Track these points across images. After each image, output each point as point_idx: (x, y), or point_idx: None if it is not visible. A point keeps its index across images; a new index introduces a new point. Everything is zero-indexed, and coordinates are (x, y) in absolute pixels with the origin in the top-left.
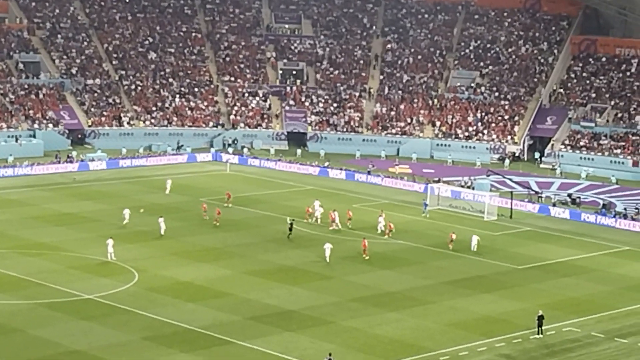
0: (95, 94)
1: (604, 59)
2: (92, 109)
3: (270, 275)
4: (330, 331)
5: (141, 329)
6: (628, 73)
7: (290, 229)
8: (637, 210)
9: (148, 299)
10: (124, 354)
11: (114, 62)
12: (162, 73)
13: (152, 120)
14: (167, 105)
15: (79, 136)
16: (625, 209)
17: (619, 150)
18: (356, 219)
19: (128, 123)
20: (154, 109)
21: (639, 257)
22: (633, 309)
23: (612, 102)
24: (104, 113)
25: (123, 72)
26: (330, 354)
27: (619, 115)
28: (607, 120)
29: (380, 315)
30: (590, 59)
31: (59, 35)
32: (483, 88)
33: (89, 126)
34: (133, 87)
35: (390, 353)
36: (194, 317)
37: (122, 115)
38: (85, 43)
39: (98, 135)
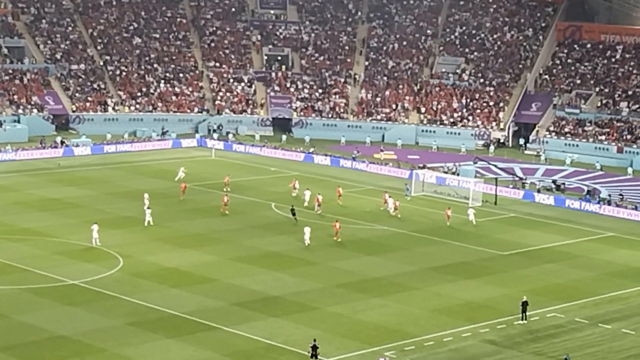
0: (80, 79)
1: (589, 46)
2: (77, 94)
3: (256, 261)
4: (315, 317)
5: (126, 314)
6: (613, 59)
7: (294, 214)
8: (621, 197)
9: (133, 285)
10: (109, 339)
11: (98, 48)
12: (147, 58)
13: (137, 106)
14: (152, 90)
15: (63, 121)
16: (609, 195)
17: (603, 137)
18: (342, 204)
19: (113, 108)
20: (138, 94)
21: (623, 243)
22: (617, 294)
23: (597, 89)
24: (89, 98)
25: (108, 58)
26: (315, 340)
27: (604, 101)
28: (597, 107)
29: (365, 301)
30: (575, 46)
31: (44, 20)
32: (468, 74)
33: (74, 111)
34: (118, 72)
35: (375, 339)
36: (179, 302)
37: (107, 100)
38: (70, 28)
39: (82, 121)
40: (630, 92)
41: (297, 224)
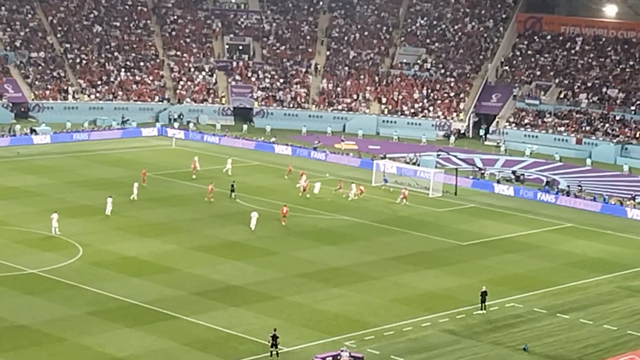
0: (40, 67)
1: (549, 37)
2: (37, 83)
3: (216, 251)
4: (275, 306)
5: (85, 303)
6: (572, 51)
7: (233, 190)
8: (579, 188)
9: (92, 274)
10: (68, 328)
11: (58, 35)
12: (108, 47)
13: (97, 94)
14: (112, 79)
15: (23, 109)
16: (568, 186)
17: (562, 128)
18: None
19: (73, 97)
20: (99, 82)
21: (581, 234)
22: (575, 285)
23: (557, 80)
24: (49, 86)
25: (68, 46)
26: (275, 329)
27: (564, 93)
28: (557, 98)
29: (325, 291)
30: (536, 37)
31: (3, 8)
32: (429, 65)
33: (33, 99)
34: (78, 60)
35: (335, 328)
36: (138, 292)
37: (67, 88)
38: (30, 15)
39: (42, 109)
40: (589, 84)
41: (233, 203)
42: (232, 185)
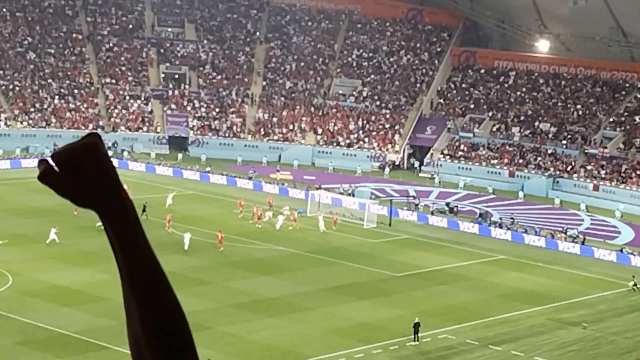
0: None
1: (482, 71)
2: None
3: None
4: (208, 337)
5: (14, 333)
6: (506, 85)
7: (144, 210)
8: (512, 220)
9: (22, 303)
10: None
11: None
12: (41, 73)
13: (30, 122)
14: (45, 106)
15: None
16: (501, 218)
17: (495, 161)
18: (237, 224)
19: (5, 124)
20: (32, 109)
21: (513, 266)
22: (507, 316)
23: (490, 113)
24: None
25: (0, 72)
26: None
27: (497, 126)
28: (491, 131)
29: (259, 321)
30: (470, 71)
31: None
32: (365, 96)
33: None
34: (11, 87)
35: (268, 359)
36: (69, 321)
37: None
38: None
39: None
40: (522, 118)
41: (146, 221)
42: (144, 206)
